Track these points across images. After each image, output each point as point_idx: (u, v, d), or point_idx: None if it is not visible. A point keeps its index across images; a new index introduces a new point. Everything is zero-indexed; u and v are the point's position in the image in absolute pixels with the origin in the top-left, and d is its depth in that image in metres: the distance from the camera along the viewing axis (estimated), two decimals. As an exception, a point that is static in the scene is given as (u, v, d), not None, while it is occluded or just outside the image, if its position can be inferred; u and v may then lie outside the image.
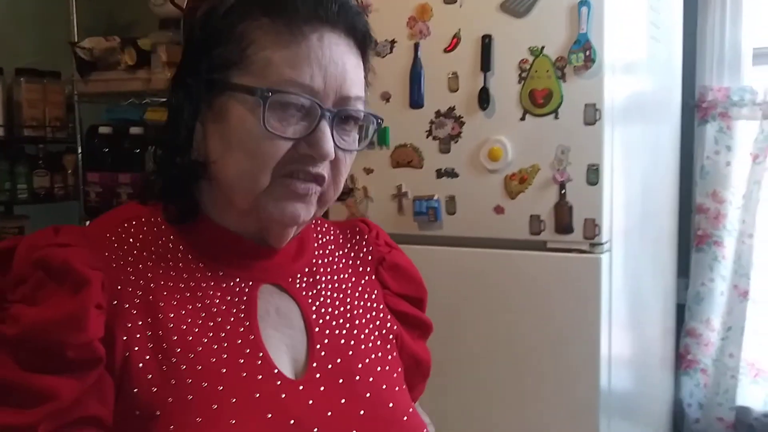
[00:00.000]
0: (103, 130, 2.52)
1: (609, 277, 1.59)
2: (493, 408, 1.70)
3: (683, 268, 2.24)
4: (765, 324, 2.14)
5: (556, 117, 1.55)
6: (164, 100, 2.54)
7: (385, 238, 0.95)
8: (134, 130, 2.45)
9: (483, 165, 1.63)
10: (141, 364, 0.70)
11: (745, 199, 2.12)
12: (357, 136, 0.79)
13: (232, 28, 0.75)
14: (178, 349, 0.72)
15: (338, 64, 0.74)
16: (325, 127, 0.73)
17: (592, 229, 1.54)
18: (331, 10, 0.75)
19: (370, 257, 0.92)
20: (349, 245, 0.92)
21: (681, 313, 2.25)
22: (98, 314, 0.69)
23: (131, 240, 0.77)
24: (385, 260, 0.93)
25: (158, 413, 0.69)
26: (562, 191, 1.55)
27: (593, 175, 1.53)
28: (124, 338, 0.70)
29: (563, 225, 1.56)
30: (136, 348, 0.70)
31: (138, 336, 0.71)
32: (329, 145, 0.73)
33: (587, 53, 1.50)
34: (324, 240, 0.91)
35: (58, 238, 0.74)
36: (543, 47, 1.55)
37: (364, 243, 0.93)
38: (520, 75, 1.58)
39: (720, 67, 2.13)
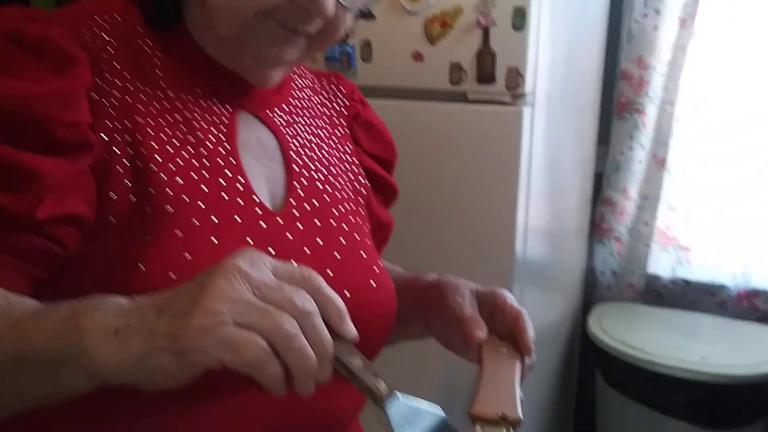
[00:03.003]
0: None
1: (530, 133, 1.52)
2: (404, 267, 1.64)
3: (603, 137, 2.20)
4: (679, 193, 2.14)
5: (483, -47, 1.42)
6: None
7: (359, 95, 0.92)
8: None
9: (402, 6, 1.49)
10: (120, 168, 0.65)
11: (669, 66, 2.07)
12: None
13: None
14: (159, 159, 0.67)
15: None
16: None
17: (515, 78, 1.44)
18: None
19: (345, 111, 0.89)
20: (324, 93, 0.89)
21: (599, 182, 2.23)
22: (86, 100, 0.64)
23: (104, 36, 0.69)
24: (360, 116, 0.90)
25: (135, 223, 0.64)
26: (486, 37, 1.44)
27: (519, 19, 1.42)
28: (103, 135, 0.65)
29: (485, 74, 1.46)
30: (115, 149, 0.65)
31: (116, 137, 0.65)
32: (328, 2, 0.67)
33: None
34: (301, 84, 0.86)
35: (27, 13, 0.67)
36: None
37: (339, 96, 0.90)
38: None
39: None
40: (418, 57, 1.50)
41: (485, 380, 0.72)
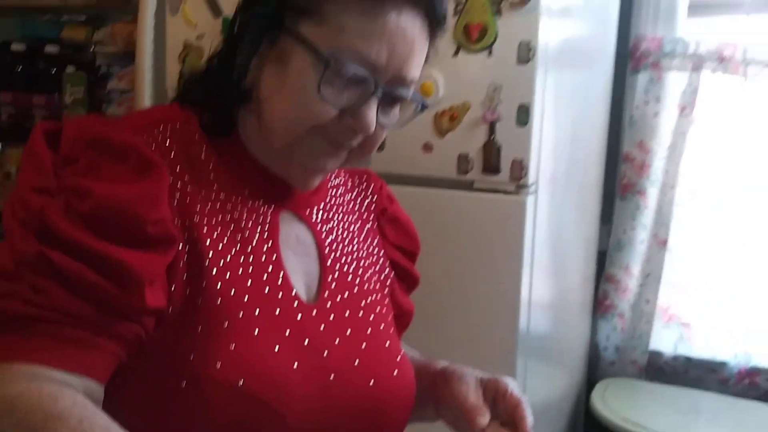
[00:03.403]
0: (16, 47, 2.37)
1: (533, 219, 1.59)
2: (413, 345, 1.70)
3: (607, 216, 2.28)
4: (679, 272, 2.20)
5: (490, 54, 1.52)
6: (83, 17, 2.39)
7: (387, 191, 1.00)
8: (50, 48, 2.31)
9: (414, 100, 1.59)
10: (180, 263, 0.72)
11: (669, 151, 2.16)
12: (397, 113, 0.80)
13: None
14: (210, 255, 0.74)
15: (407, 44, 0.75)
16: (374, 104, 0.75)
17: (519, 170, 1.53)
18: None
19: (373, 206, 0.96)
20: (356, 191, 0.96)
21: (602, 259, 2.29)
22: (166, 198, 0.71)
23: (167, 142, 0.78)
24: (387, 211, 0.97)
25: (187, 314, 0.71)
26: (492, 131, 1.53)
27: (523, 115, 1.51)
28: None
29: (491, 165, 1.54)
30: (179, 246, 0.72)
31: (179, 235, 0.72)
32: (372, 121, 0.75)
33: (524, -11, 1.47)
34: (337, 182, 0.94)
35: (108, 124, 0.76)
36: (480, -20, 1.51)
37: (369, 192, 0.97)
38: (455, 8, 1.53)
39: (655, 16, 2.13)
40: (428, 148, 1.59)
41: None
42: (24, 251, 0.65)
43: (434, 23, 0.78)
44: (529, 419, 0.84)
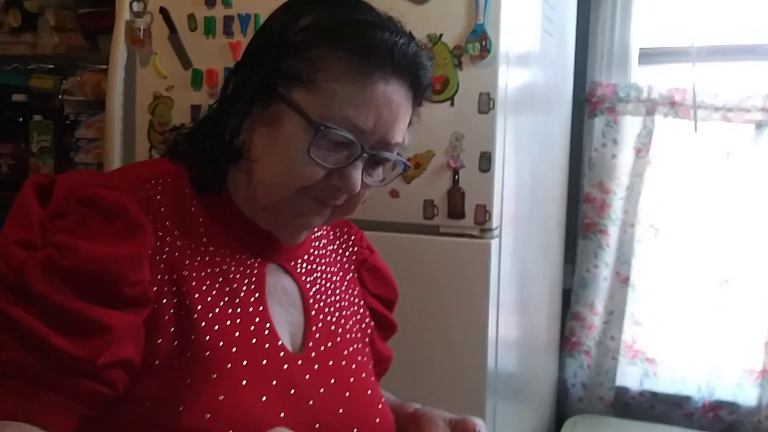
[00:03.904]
0: (-18, 96, 2.38)
1: (498, 261, 1.64)
2: (384, 386, 1.72)
3: (570, 255, 2.34)
4: (643, 308, 2.26)
5: (452, 104, 1.58)
6: (51, 66, 2.39)
7: (367, 242, 1.05)
8: (17, 97, 2.32)
9: (379, 149, 1.63)
10: (167, 317, 0.74)
11: (628, 191, 2.23)
12: (380, 173, 0.85)
13: (310, 47, 0.78)
14: (199, 307, 0.76)
15: (392, 111, 0.79)
16: (359, 166, 0.79)
17: (483, 215, 1.58)
18: (405, 59, 0.79)
19: (354, 257, 1.01)
20: (337, 243, 1.00)
21: (567, 297, 2.35)
22: (148, 260, 0.74)
23: (158, 198, 0.81)
24: (367, 262, 1.02)
25: (176, 365, 0.73)
26: (456, 177, 1.58)
27: (485, 162, 1.56)
28: (155, 289, 0.74)
29: (455, 210, 1.59)
30: (164, 300, 0.75)
31: (165, 289, 0.75)
32: (357, 182, 0.80)
33: (483, 43, 1.53)
34: (318, 234, 0.98)
35: (101, 180, 0.78)
36: (441, 35, 1.57)
37: (350, 243, 1.01)
38: (418, 61, 1.59)
39: (609, 64, 2.23)
40: (395, 194, 1.63)
41: None
42: None
43: (418, 92, 0.83)
44: None
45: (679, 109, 2.15)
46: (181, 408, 0.72)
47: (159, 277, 0.75)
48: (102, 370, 0.69)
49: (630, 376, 2.29)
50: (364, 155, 0.79)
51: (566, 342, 2.34)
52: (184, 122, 1.82)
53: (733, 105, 2.10)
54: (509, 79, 1.61)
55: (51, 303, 0.68)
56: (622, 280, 2.25)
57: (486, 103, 1.55)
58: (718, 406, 2.20)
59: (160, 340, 0.74)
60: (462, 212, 1.59)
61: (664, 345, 2.26)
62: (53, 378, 0.68)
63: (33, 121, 2.29)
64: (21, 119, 2.33)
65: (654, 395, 2.27)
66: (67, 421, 0.69)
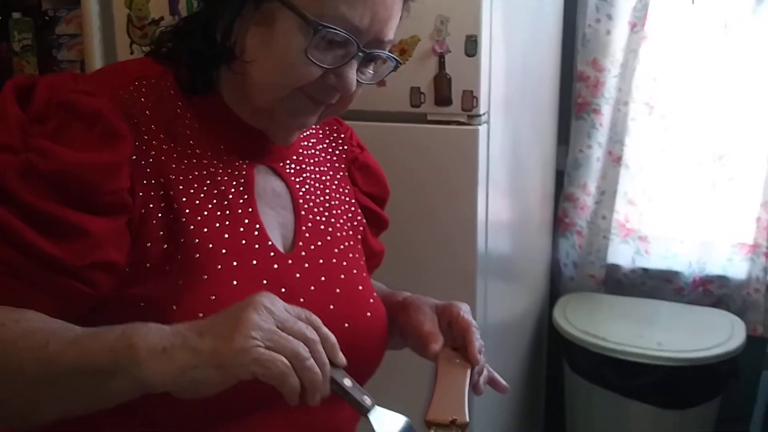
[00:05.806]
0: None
1: (486, 147, 1.63)
2: (375, 275, 1.76)
3: (563, 136, 2.32)
4: (635, 188, 2.26)
5: (436, -15, 1.52)
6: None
7: (357, 139, 1.04)
8: (-8, -5, 2.24)
9: (363, 36, 1.59)
10: (154, 221, 0.76)
11: (622, 68, 2.18)
12: (372, 71, 0.84)
13: None
14: (187, 211, 0.78)
15: (387, 9, 0.79)
16: (354, 65, 0.78)
17: (470, 101, 1.55)
18: None
19: (344, 156, 1.00)
20: (327, 141, 1.00)
21: (560, 179, 2.35)
22: (127, 166, 0.75)
23: (143, 100, 0.80)
24: (357, 160, 1.01)
25: (168, 268, 0.75)
26: (442, 62, 1.55)
27: (471, 46, 1.52)
28: (141, 194, 0.75)
29: (442, 97, 1.56)
30: (151, 205, 0.76)
31: (152, 194, 0.76)
32: (353, 81, 0.79)
33: None
34: (308, 133, 0.97)
35: (80, 86, 0.77)
36: None
37: (340, 141, 1.01)
38: (399, -60, 1.52)
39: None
40: (381, 82, 1.59)
41: (438, 389, 0.85)
42: None
43: None
44: (478, 343, 0.90)
45: (676, -21, 2.06)
46: (174, 308, 0.74)
47: (145, 181, 0.76)
48: (82, 270, 0.71)
49: (622, 255, 2.33)
50: (360, 54, 0.78)
51: (559, 223, 2.37)
52: (163, 15, 1.77)
53: (732, -26, 2.02)
54: (495, -45, 1.54)
55: (30, 206, 0.69)
56: (614, 159, 2.25)
57: (470, -17, 1.49)
58: (708, 280, 2.25)
59: (149, 244, 0.75)
60: (449, 98, 1.56)
61: (657, 223, 2.28)
62: (36, 274, 0.70)
63: (12, 18, 2.22)
64: (0, 18, 2.27)
65: (645, 272, 2.32)
66: (53, 317, 0.71)
